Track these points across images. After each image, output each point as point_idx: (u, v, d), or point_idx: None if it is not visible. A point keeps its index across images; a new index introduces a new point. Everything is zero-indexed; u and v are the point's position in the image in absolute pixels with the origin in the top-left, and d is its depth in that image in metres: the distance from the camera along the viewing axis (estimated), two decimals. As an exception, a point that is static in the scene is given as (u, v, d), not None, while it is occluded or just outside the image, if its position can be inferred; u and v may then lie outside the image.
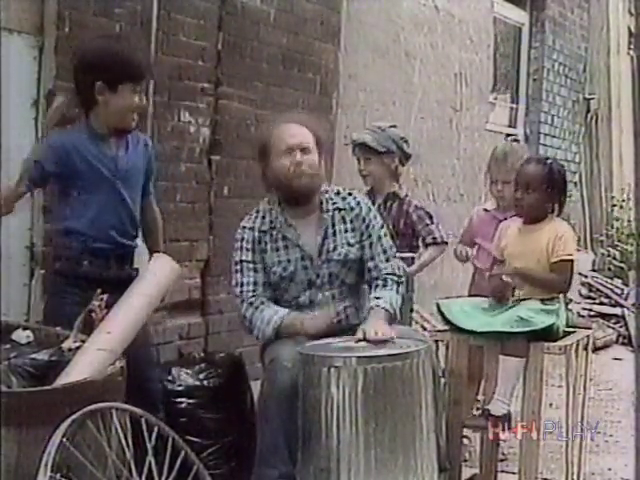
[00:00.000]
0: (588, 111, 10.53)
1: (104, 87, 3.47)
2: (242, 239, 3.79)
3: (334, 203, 3.83)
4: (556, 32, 9.51)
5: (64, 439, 2.50)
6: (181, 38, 4.71)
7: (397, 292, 3.82)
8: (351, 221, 3.82)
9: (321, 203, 3.81)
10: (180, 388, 4.12)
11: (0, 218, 3.39)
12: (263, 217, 3.82)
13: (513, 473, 4.27)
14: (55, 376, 2.84)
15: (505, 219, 4.54)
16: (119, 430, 2.72)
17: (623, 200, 11.01)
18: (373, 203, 4.20)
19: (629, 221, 10.74)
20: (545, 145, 9.44)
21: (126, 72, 3.48)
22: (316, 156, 3.79)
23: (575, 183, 10.29)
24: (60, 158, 3.45)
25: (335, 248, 3.78)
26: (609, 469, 4.90)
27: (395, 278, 3.84)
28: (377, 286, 3.80)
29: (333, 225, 3.80)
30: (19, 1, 3.91)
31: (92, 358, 2.89)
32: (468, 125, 7.84)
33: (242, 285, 3.76)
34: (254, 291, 3.74)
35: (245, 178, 5.22)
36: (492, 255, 4.36)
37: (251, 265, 3.76)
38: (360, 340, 3.53)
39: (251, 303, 3.73)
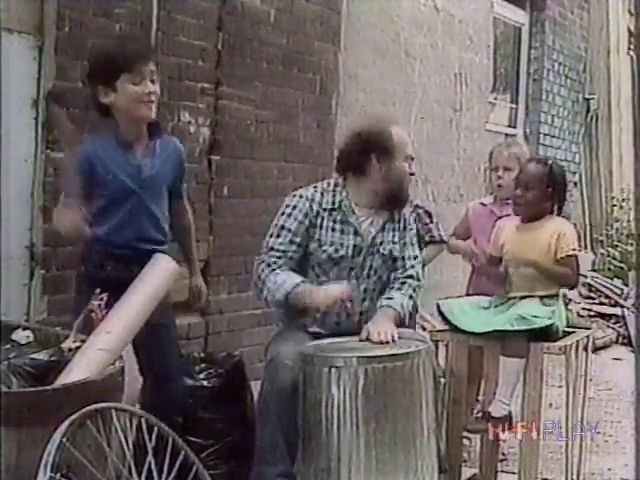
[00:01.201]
0: (588, 111, 10.53)
1: (103, 89, 3.47)
2: (294, 206, 3.76)
3: None
4: (556, 32, 9.51)
5: (64, 439, 2.50)
6: (181, 38, 4.71)
7: (410, 297, 3.85)
8: (398, 221, 3.89)
9: None
10: (180, 388, 4.12)
11: (0, 219, 3.40)
12: (322, 194, 3.80)
13: (513, 473, 4.27)
14: (55, 376, 2.84)
15: (502, 215, 4.57)
16: (119, 430, 2.72)
17: (623, 200, 11.01)
18: None
19: (629, 221, 10.73)
20: (545, 145, 9.44)
21: (119, 65, 3.43)
22: None
23: (575, 183, 10.29)
24: (84, 168, 3.48)
25: (382, 243, 3.83)
26: (609, 469, 4.90)
27: (414, 283, 3.88)
28: (393, 288, 3.84)
29: (386, 221, 3.85)
30: (19, 1, 3.91)
31: (92, 358, 2.89)
32: (468, 125, 7.84)
33: (272, 249, 3.71)
34: (279, 258, 3.69)
35: (245, 178, 5.23)
36: (488, 251, 4.37)
37: (290, 235, 3.72)
38: (363, 340, 3.54)
39: (269, 265, 3.68)
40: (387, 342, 3.52)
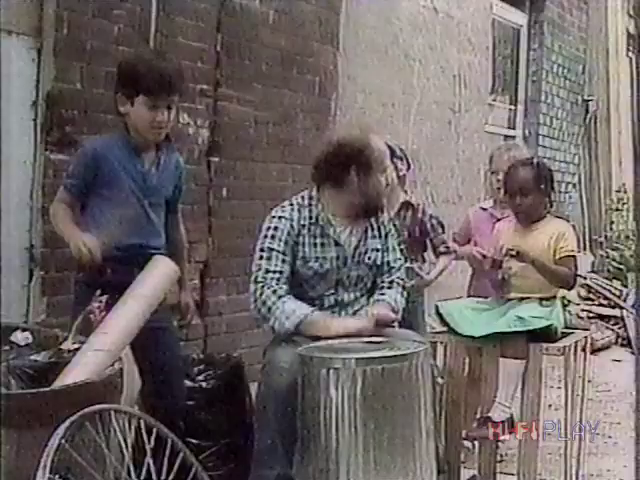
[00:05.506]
0: (587, 113, 10.53)
1: (123, 99, 3.47)
2: (275, 228, 3.74)
3: None
4: (555, 34, 9.51)
5: (63, 440, 2.50)
6: (180, 40, 4.71)
7: (401, 295, 3.88)
8: (378, 228, 3.90)
9: None
10: (179, 390, 4.12)
11: (0, 220, 3.40)
12: (299, 210, 3.78)
13: (512, 474, 4.27)
14: (54, 377, 2.84)
15: (503, 217, 4.59)
16: (118, 431, 2.72)
17: (620, 201, 11.01)
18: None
19: (626, 222, 10.73)
20: (544, 147, 9.44)
21: (140, 85, 3.43)
22: None
23: (574, 185, 10.29)
24: (90, 163, 3.47)
25: (367, 251, 3.84)
26: (608, 470, 4.90)
27: (401, 282, 3.90)
28: (382, 287, 3.87)
29: (366, 230, 3.86)
30: (18, 3, 3.91)
31: (90, 359, 2.89)
32: (467, 127, 7.84)
33: (267, 272, 3.67)
34: (278, 280, 3.67)
35: (244, 179, 5.22)
36: (490, 254, 4.37)
37: (281, 256, 3.70)
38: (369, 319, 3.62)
39: (275, 291, 3.65)
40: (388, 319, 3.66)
